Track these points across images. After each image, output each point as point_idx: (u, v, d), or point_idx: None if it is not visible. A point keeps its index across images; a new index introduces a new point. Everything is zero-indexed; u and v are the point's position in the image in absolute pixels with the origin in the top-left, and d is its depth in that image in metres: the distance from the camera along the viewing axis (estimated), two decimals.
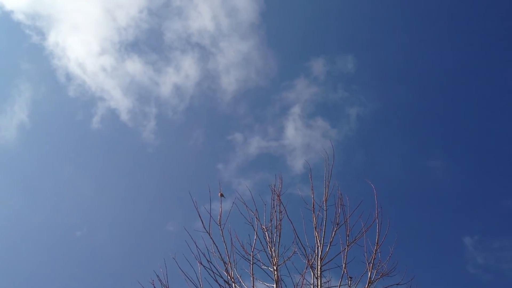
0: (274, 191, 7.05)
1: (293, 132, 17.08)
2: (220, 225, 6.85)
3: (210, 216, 6.76)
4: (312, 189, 6.96)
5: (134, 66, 17.63)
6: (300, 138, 17.07)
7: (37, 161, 17.54)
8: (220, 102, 17.82)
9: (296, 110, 17.12)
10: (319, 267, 6.53)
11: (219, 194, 7.08)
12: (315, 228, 6.76)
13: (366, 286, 6.19)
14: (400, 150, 17.16)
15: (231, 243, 6.71)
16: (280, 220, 6.86)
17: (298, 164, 16.50)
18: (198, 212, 6.74)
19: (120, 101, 17.35)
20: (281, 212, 6.89)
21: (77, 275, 16.05)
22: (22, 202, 17.16)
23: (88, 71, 17.68)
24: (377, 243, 6.34)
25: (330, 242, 6.65)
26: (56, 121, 17.80)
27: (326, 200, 6.85)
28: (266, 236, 6.92)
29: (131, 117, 17.43)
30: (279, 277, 6.54)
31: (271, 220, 6.95)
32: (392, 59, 17.70)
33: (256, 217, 6.92)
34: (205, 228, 6.74)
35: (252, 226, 6.91)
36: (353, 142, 17.11)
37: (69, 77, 17.30)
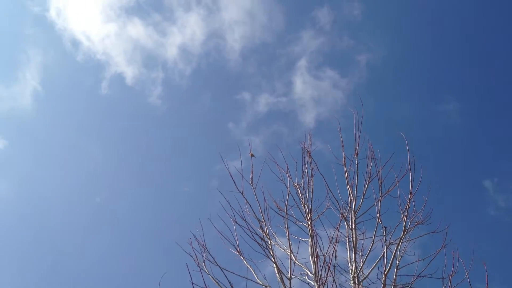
0: (305, 148, 7.10)
1: (302, 86, 16.94)
2: (252, 184, 6.92)
3: (242, 176, 6.82)
4: (342, 144, 7.00)
5: (137, 30, 17.40)
6: (309, 91, 16.94)
7: (53, 128, 17.60)
8: (226, 62, 17.65)
9: (303, 63, 16.92)
10: (353, 220, 6.63)
11: (250, 154, 7.13)
12: (347, 182, 6.84)
13: (402, 236, 6.29)
14: (412, 96, 17.00)
15: (264, 201, 6.80)
16: (312, 176, 6.94)
17: (309, 118, 16.47)
18: (229, 172, 6.79)
19: (126, 66, 17.22)
20: (312, 168, 6.96)
21: (99, 240, 16.37)
22: (41, 170, 17.35)
23: (92, 37, 17.52)
24: (410, 193, 6.38)
25: (363, 195, 6.73)
26: (67, 88, 17.75)
27: (357, 154, 6.90)
28: (298, 193, 7.01)
29: (138, 82, 17.34)
30: (314, 231, 6.64)
31: (302, 177, 7.03)
32: (399, 3, 17.31)
33: (288, 175, 6.99)
34: (237, 188, 6.81)
35: (285, 183, 7.00)
36: (365, 90, 16.94)
37: (75, 43, 17.14)
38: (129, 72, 17.26)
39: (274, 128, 16.84)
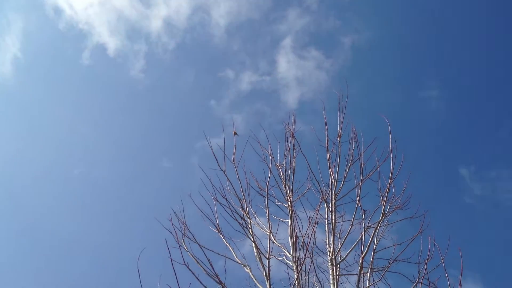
0: (288, 128, 7.08)
1: (286, 65, 16.83)
2: (234, 163, 6.90)
3: (225, 154, 6.79)
4: (326, 126, 7.01)
5: (122, 0, 17.03)
6: (293, 71, 16.84)
7: (32, 97, 17.23)
8: (211, 37, 17.42)
9: (288, 42, 16.78)
10: (333, 202, 6.67)
11: (233, 133, 7.08)
12: (329, 164, 6.85)
13: (380, 219, 6.34)
14: (395, 81, 17.01)
15: (246, 180, 6.80)
16: (294, 157, 6.94)
17: (292, 98, 16.42)
18: (212, 150, 6.74)
19: (109, 37, 16.89)
20: (295, 149, 6.96)
21: (77, 213, 16.25)
22: (19, 139, 17.05)
23: (75, 5, 17.09)
24: (391, 177, 6.41)
25: (344, 178, 6.76)
26: (48, 56, 17.35)
27: (340, 137, 6.91)
28: (280, 173, 7.02)
29: (121, 54, 17.05)
30: (294, 212, 6.67)
31: (285, 158, 7.03)
32: None
33: (270, 155, 6.97)
34: (219, 166, 6.78)
35: (267, 163, 6.99)
36: (349, 72, 16.88)
37: (57, 10, 16.72)
38: (112, 43, 16.95)
39: (257, 107, 16.78)
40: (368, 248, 6.08)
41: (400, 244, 6.35)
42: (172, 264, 4.99)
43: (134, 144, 17.40)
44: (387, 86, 16.74)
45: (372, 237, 6.24)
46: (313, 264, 5.85)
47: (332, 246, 6.29)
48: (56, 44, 17.37)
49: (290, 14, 17.08)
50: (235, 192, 6.72)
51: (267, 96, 16.94)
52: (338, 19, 17.11)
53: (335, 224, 6.55)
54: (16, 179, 16.81)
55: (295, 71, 16.80)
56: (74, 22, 16.83)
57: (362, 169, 6.69)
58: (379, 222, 6.35)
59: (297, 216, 6.61)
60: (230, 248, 6.34)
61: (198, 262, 5.84)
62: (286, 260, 6.32)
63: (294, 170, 6.92)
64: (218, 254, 6.07)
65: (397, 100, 16.54)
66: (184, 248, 6.12)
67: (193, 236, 6.33)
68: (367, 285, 5.87)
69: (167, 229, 6.36)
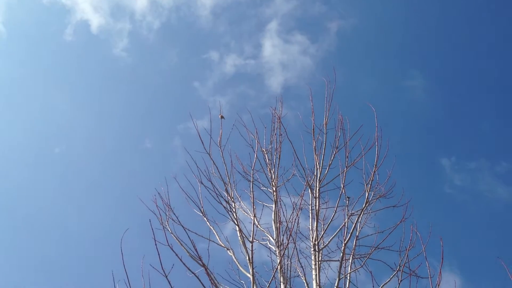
0: (275, 113, 7.06)
1: (271, 49, 16.73)
2: (220, 146, 6.88)
3: (211, 137, 6.77)
4: (312, 112, 7.00)
5: None
6: (278, 55, 16.76)
7: (13, 71, 16.85)
8: (196, 18, 17.20)
9: (273, 25, 16.68)
10: (317, 188, 6.70)
11: (220, 116, 7.05)
12: (315, 151, 6.87)
13: (363, 207, 6.39)
14: (379, 69, 17.02)
15: (231, 164, 6.80)
16: (280, 143, 6.94)
17: (276, 82, 16.38)
18: (198, 132, 6.73)
19: (92, 13, 16.58)
20: (281, 134, 6.95)
21: (57, 193, 16.07)
22: None
23: None
24: (375, 165, 6.46)
25: (329, 165, 6.79)
26: (31, 30, 16.96)
27: (326, 124, 6.92)
28: (265, 158, 7.02)
29: (104, 32, 16.76)
30: (278, 197, 6.68)
31: (271, 143, 7.02)
32: None
33: (256, 140, 6.97)
34: (205, 149, 6.76)
35: (252, 147, 6.99)
36: (333, 58, 16.84)
37: None
38: (95, 20, 16.64)
39: (240, 90, 16.68)
40: (350, 235, 6.14)
41: (382, 232, 6.43)
42: (156, 245, 4.96)
43: (116, 123, 17.19)
44: (370, 74, 16.76)
45: (355, 224, 6.29)
46: (296, 249, 5.89)
47: (315, 232, 6.33)
48: (39, 18, 17.03)
49: None
50: (220, 175, 6.73)
51: (251, 79, 16.87)
52: (324, 4, 17.05)
53: (318, 210, 6.58)
54: None
55: (280, 56, 16.73)
56: None
57: (347, 157, 6.72)
58: (362, 210, 6.40)
59: (281, 201, 6.63)
60: (214, 231, 6.36)
61: (181, 244, 5.83)
62: (269, 245, 6.36)
63: (279, 155, 6.94)
64: (202, 236, 6.07)
65: (380, 88, 16.58)
66: (168, 230, 6.11)
67: (177, 218, 6.31)
68: (349, 272, 5.93)
69: (151, 211, 6.34)
